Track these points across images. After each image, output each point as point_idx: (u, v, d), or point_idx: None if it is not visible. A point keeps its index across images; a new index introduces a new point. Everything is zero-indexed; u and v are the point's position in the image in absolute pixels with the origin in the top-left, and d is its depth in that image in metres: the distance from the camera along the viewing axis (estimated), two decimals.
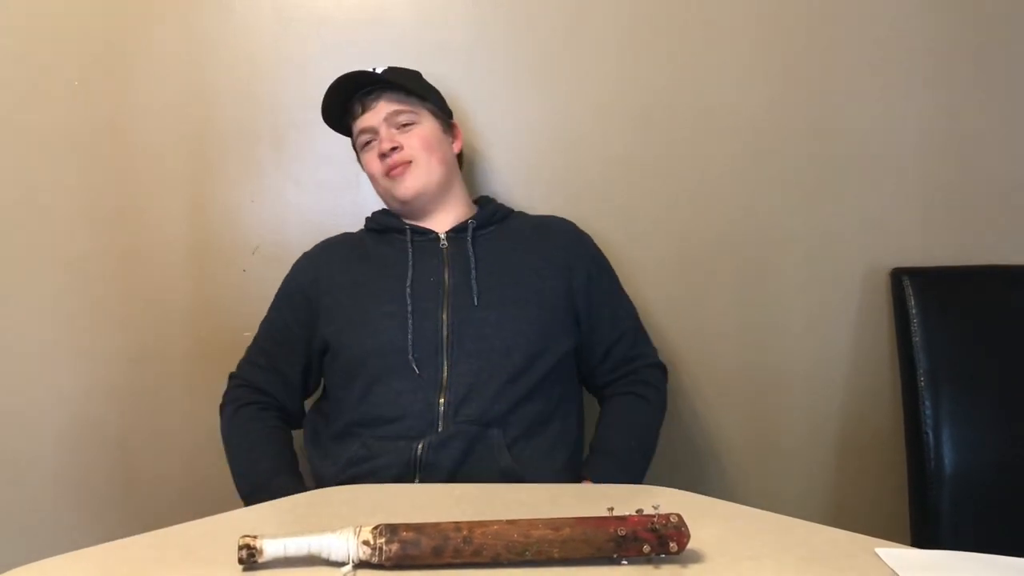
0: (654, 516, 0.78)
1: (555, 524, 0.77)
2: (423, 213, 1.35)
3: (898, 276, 1.52)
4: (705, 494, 0.98)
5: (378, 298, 1.27)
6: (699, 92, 1.55)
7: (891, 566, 0.78)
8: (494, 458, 1.17)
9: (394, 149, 1.30)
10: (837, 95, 1.55)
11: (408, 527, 0.77)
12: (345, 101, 1.35)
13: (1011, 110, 1.56)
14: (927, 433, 1.43)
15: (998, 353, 1.47)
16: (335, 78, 1.32)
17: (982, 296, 1.51)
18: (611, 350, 1.35)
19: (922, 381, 1.45)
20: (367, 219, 1.41)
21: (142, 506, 1.60)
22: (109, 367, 1.58)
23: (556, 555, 0.77)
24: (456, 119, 1.44)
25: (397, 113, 1.32)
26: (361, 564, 0.76)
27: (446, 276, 1.28)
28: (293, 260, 1.39)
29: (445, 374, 1.21)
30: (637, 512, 0.79)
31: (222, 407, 1.33)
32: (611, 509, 0.80)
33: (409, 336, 1.22)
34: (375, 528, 0.77)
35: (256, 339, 1.36)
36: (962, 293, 1.51)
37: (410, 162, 1.31)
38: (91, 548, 0.83)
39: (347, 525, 0.77)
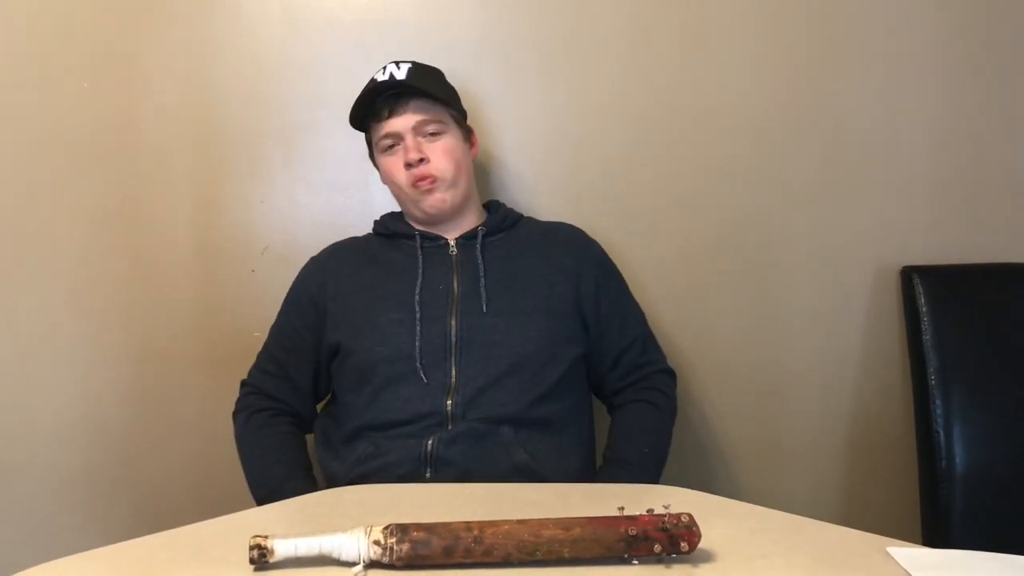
0: (665, 516, 0.78)
1: (566, 524, 0.77)
2: (440, 223, 1.34)
3: (908, 274, 1.51)
4: (715, 494, 0.98)
5: (387, 304, 1.27)
6: (703, 91, 1.55)
7: (903, 565, 0.77)
8: (507, 453, 1.17)
9: (421, 160, 1.29)
10: (844, 93, 1.55)
11: (419, 527, 0.77)
12: (371, 102, 1.33)
13: (1020, 107, 1.54)
14: (938, 432, 1.43)
15: (1009, 351, 1.46)
16: (368, 82, 1.31)
17: (993, 294, 1.51)
18: (621, 357, 1.34)
19: (933, 379, 1.45)
20: (375, 223, 1.40)
21: (150, 507, 1.61)
22: (117, 367, 1.59)
23: (567, 555, 0.77)
24: None
25: (425, 123, 1.30)
26: (372, 564, 0.76)
27: (455, 283, 1.28)
28: (302, 261, 1.39)
29: (453, 380, 1.21)
30: (648, 512, 0.79)
31: (235, 414, 1.33)
32: (622, 509, 0.79)
33: (417, 343, 1.22)
34: (386, 528, 0.77)
35: (266, 345, 1.36)
36: (973, 291, 1.51)
37: (437, 178, 1.30)
38: (102, 548, 0.83)
39: (357, 525, 0.78)
